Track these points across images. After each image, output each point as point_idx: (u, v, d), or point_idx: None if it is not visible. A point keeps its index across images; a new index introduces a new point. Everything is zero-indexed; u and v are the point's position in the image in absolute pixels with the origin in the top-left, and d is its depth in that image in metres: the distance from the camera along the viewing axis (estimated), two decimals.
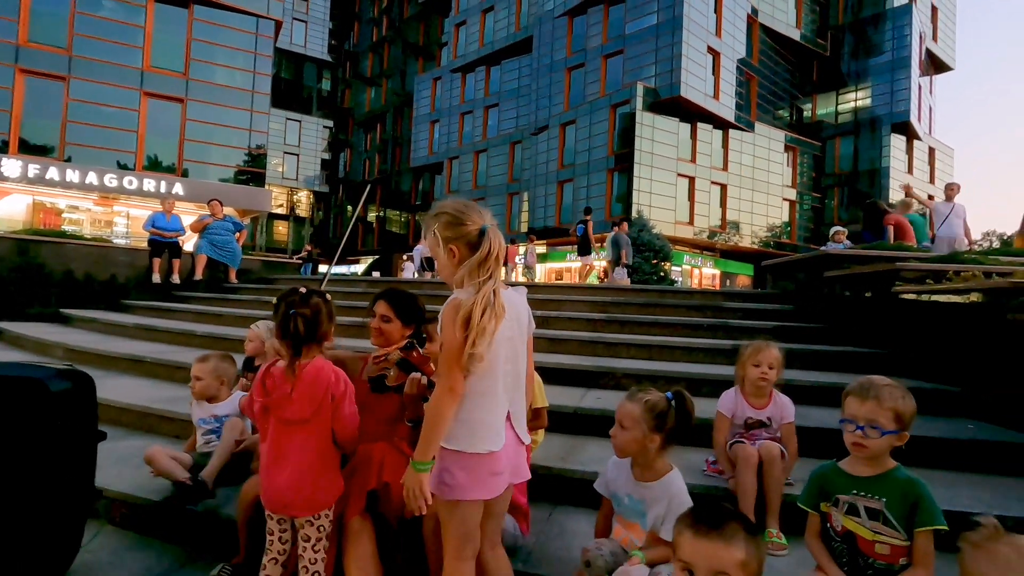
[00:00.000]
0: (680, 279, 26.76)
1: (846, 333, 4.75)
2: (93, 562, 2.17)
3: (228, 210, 18.27)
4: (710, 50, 27.66)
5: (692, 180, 28.29)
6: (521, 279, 16.89)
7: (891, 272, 4.40)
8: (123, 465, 2.76)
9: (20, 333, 6.01)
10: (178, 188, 18.84)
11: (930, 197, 34.29)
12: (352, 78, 51.61)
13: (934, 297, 4.32)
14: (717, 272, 30.14)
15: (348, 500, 1.83)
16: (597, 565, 1.79)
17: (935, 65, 36.68)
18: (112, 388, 3.95)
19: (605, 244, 11.92)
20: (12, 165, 17.11)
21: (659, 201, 26.67)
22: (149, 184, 18.81)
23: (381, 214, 47.24)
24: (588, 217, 12.86)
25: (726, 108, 28.63)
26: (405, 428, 1.93)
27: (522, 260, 18.28)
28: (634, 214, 24.85)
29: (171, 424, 3.47)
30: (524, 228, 32.86)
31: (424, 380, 1.88)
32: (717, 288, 28.20)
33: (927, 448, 2.85)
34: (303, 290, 1.86)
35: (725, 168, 29.55)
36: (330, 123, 50.14)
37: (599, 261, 12.19)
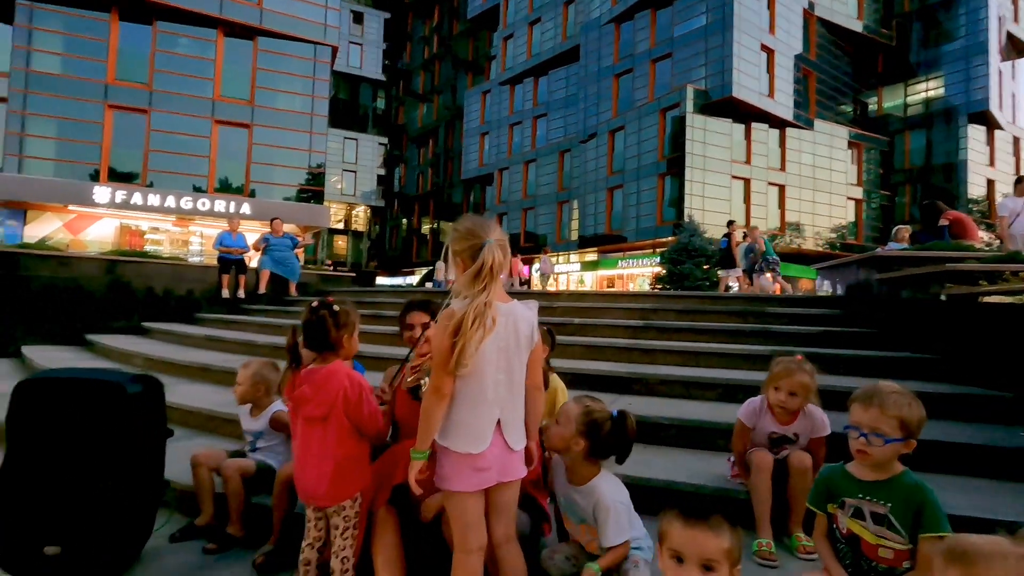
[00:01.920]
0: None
1: (896, 338, 4.57)
2: (161, 545, 2.45)
3: (289, 227, 19.41)
4: (764, 48, 26.84)
5: (747, 182, 27.42)
6: (536, 288, 17.54)
7: (942, 273, 4.21)
8: (188, 462, 3.07)
9: (108, 345, 6.67)
10: (246, 208, 20.13)
11: None
12: (405, 95, 53.42)
13: (993, 299, 4.10)
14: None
15: (377, 492, 2.01)
16: (551, 574, 1.91)
17: (1017, 49, 33.94)
18: (182, 393, 4.36)
19: (737, 254, 11.57)
20: (103, 192, 18.85)
21: (712, 204, 26.00)
22: (220, 205, 20.21)
23: (435, 226, 48.40)
24: (731, 229, 12.33)
25: (782, 107, 27.63)
26: None
27: (538, 270, 19.29)
28: (685, 218, 24.35)
29: (233, 426, 3.79)
30: (575, 236, 32.81)
31: None
32: (778, 294, 27.08)
33: (970, 456, 2.76)
34: (314, 303, 2.07)
35: (783, 168, 28.46)
36: (385, 140, 51.97)
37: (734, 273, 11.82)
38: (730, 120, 26.65)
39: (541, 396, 1.89)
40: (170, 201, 19.65)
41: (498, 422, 1.70)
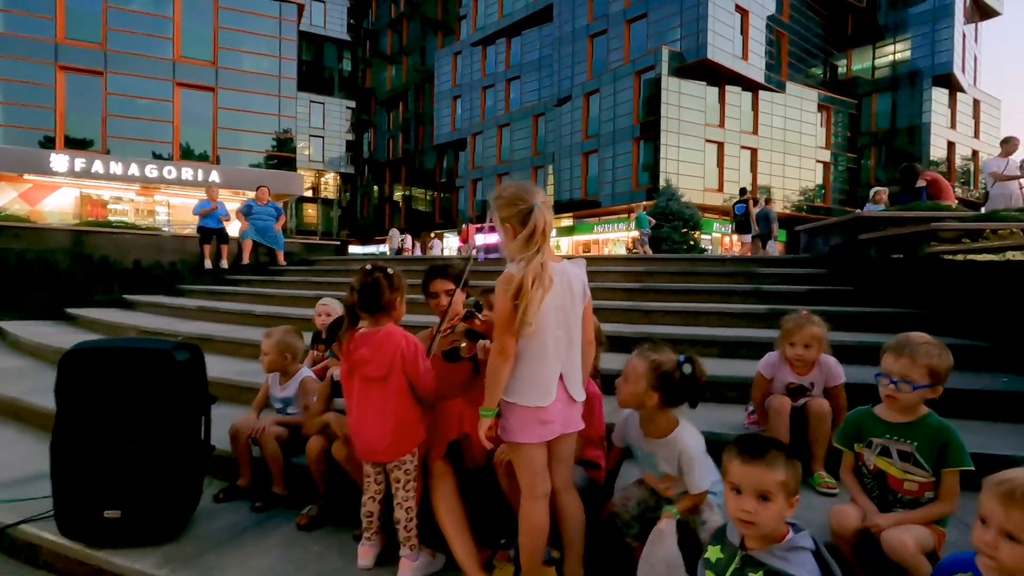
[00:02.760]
0: (710, 247, 26.46)
1: (879, 295, 4.82)
2: (207, 505, 2.52)
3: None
4: (738, 8, 26.74)
5: (721, 145, 27.70)
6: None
7: (926, 233, 4.44)
8: (216, 427, 3.11)
9: (93, 318, 6.51)
10: (214, 176, 19.42)
11: (974, 153, 32.86)
12: (372, 57, 51.58)
13: (970, 257, 4.36)
14: (749, 239, 29.67)
15: (432, 447, 2.11)
16: (623, 519, 1.99)
17: (980, 11, 34.61)
18: None
19: (754, 220, 12.17)
20: (60, 160, 17.89)
21: (687, 168, 26.24)
22: (187, 173, 19.45)
23: (407, 193, 47.61)
24: (747, 196, 12.88)
25: (755, 69, 27.75)
26: (482, 384, 2.17)
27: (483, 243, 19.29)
28: (662, 183, 24.57)
29: (250, 393, 3.81)
30: (551, 202, 32.80)
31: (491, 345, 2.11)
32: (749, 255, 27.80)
33: (960, 400, 2.99)
34: (368, 267, 2.11)
35: (755, 131, 28.80)
36: (352, 103, 50.35)
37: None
38: (704, 83, 26.68)
39: (593, 349, 1.99)
40: (133, 169, 18.81)
41: (560, 376, 1.80)
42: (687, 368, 1.84)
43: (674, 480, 1.92)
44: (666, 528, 1.73)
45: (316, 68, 47.51)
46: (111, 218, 18.42)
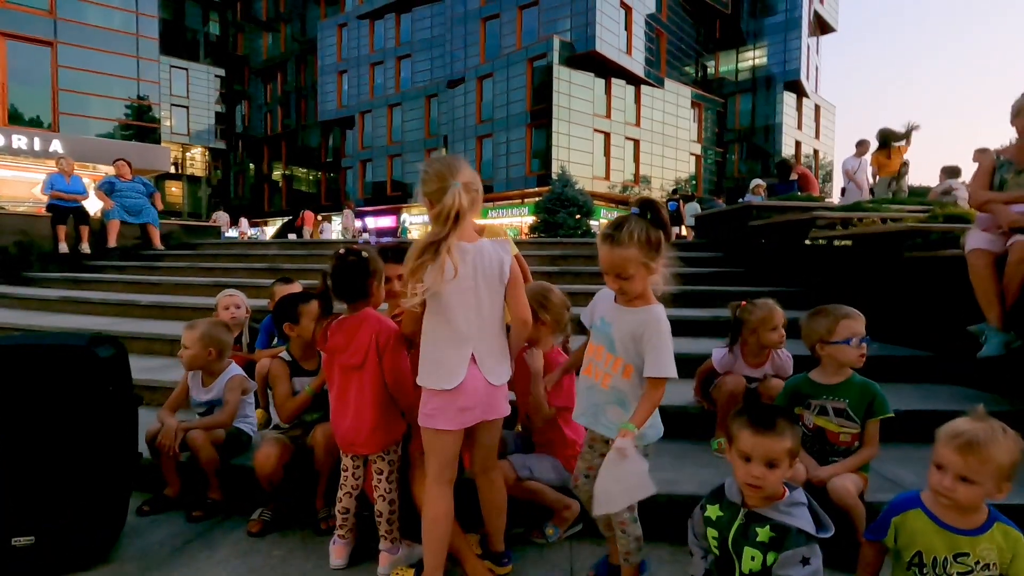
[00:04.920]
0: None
1: (766, 275, 5.41)
2: (133, 521, 2.21)
3: (110, 170, 16.52)
4: (623, 4, 28.08)
5: (608, 136, 29.11)
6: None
7: (807, 221, 5.06)
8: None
9: None
10: (56, 145, 16.71)
11: (815, 152, 37.64)
12: (244, 21, 47.06)
13: (838, 243, 5.03)
14: None
15: (412, 436, 2.03)
16: (583, 499, 1.91)
17: (821, 26, 39.53)
18: None
19: (684, 215, 13.37)
20: None
21: (577, 156, 27.28)
22: (19, 141, 16.52)
23: (288, 172, 44.48)
24: (678, 196, 14.70)
25: (638, 64, 29.41)
26: None
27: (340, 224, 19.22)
28: (554, 170, 25.32)
29: (152, 393, 3.39)
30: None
31: None
32: None
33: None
34: (342, 251, 1.97)
35: (638, 124, 30.62)
36: (221, 72, 45.70)
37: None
38: (592, 74, 27.79)
39: (524, 329, 1.90)
40: None
41: (472, 356, 1.75)
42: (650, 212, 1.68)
43: (620, 366, 1.72)
44: (625, 445, 1.52)
45: (176, 29, 42.37)
46: None
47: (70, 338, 1.92)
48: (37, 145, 16.61)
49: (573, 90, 27.08)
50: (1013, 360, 2.98)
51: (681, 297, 4.88)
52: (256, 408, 2.90)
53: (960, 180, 6.81)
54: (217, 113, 45.92)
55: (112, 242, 8.16)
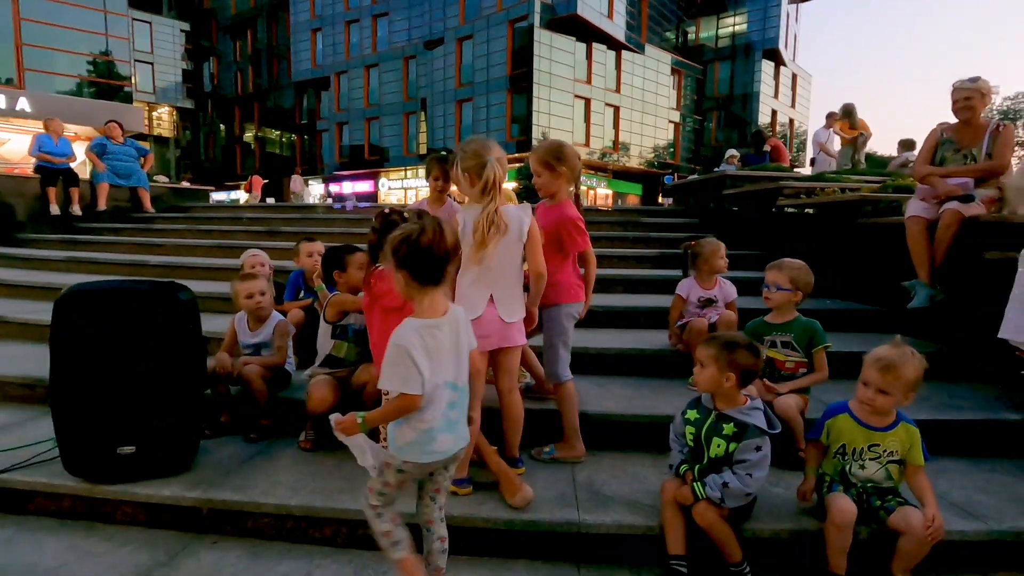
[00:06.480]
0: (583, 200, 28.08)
1: (738, 240, 5.88)
2: (203, 444, 2.61)
3: (84, 129, 16.10)
4: None
5: (588, 102, 29.16)
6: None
7: (775, 190, 5.52)
8: None
9: None
10: (23, 103, 16.18)
11: (791, 121, 38.20)
12: None
13: (806, 211, 5.53)
14: (610, 192, 32.03)
15: None
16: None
17: None
18: None
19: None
20: None
21: (557, 123, 27.34)
22: None
23: (260, 134, 43.39)
24: (672, 172, 14.30)
25: (619, 28, 29.28)
26: None
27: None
28: (535, 135, 25.40)
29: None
30: (423, 150, 32.13)
31: None
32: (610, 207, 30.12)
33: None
34: (387, 210, 2.34)
35: (618, 90, 30.67)
36: (186, 26, 43.78)
37: None
38: (574, 38, 27.63)
39: (541, 280, 2.33)
40: None
41: (491, 297, 2.21)
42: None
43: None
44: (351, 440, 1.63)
45: None
46: None
47: (157, 285, 2.27)
48: (3, 103, 16.06)
49: (554, 54, 26.94)
50: (937, 311, 3.53)
51: (659, 259, 5.36)
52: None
53: (915, 152, 7.36)
54: (184, 71, 44.20)
55: (102, 205, 8.24)
